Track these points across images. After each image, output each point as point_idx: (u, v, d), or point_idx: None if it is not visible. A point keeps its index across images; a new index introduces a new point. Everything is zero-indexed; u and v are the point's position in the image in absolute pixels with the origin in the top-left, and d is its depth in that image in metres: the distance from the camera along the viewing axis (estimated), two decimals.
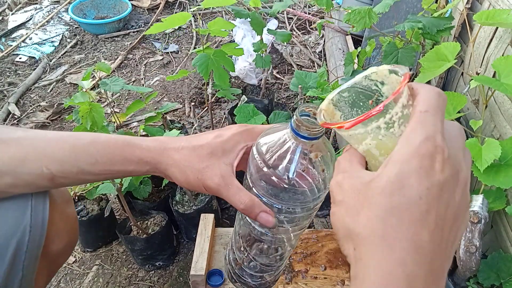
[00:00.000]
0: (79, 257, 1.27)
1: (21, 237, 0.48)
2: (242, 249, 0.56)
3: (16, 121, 1.74)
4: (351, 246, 0.32)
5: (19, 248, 0.47)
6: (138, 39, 2.19)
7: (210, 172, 0.48)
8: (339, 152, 1.11)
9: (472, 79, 0.81)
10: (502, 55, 0.92)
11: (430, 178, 0.29)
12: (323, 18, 2.26)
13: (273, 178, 0.44)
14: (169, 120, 1.40)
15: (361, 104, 0.37)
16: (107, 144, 0.50)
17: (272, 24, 2.24)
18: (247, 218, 0.52)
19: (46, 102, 1.83)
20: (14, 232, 0.48)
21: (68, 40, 2.25)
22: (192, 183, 0.49)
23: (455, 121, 0.34)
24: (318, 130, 0.40)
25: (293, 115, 0.41)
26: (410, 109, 0.32)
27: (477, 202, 0.79)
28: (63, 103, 1.79)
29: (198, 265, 0.93)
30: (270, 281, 0.61)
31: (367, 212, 0.30)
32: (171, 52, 2.14)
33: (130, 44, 2.18)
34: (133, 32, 2.30)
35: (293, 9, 2.35)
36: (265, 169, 0.44)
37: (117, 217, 1.32)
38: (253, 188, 0.47)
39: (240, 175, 0.49)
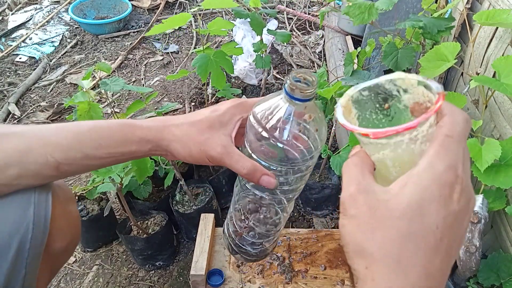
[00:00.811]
0: (79, 257, 1.27)
1: (24, 234, 0.48)
2: (242, 218, 0.59)
3: (16, 121, 1.74)
4: (363, 264, 0.32)
5: (22, 245, 0.47)
6: (138, 39, 2.19)
7: (212, 143, 0.50)
8: (339, 152, 1.11)
9: (472, 79, 0.81)
10: (502, 55, 0.92)
11: (447, 208, 0.30)
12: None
13: (272, 140, 0.47)
14: None
15: (377, 106, 0.37)
16: (108, 128, 0.51)
17: (272, 24, 2.24)
18: (247, 186, 0.55)
19: (46, 102, 1.83)
20: (17, 229, 0.48)
21: (68, 40, 2.25)
22: (195, 155, 0.51)
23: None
24: (311, 92, 0.43)
25: (285, 81, 0.44)
26: (434, 128, 0.32)
27: (477, 202, 0.79)
28: (63, 103, 1.79)
29: (198, 265, 0.93)
30: (269, 248, 0.63)
31: (383, 233, 0.30)
32: (171, 52, 2.15)
33: (130, 44, 2.19)
34: (133, 32, 2.30)
35: (293, 9, 2.36)
36: (263, 133, 0.46)
37: (117, 217, 1.32)
38: (252, 154, 0.50)
39: None
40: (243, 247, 0.61)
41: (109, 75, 1.86)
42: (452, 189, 0.30)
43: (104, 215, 1.10)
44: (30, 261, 0.48)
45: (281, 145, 0.46)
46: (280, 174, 0.50)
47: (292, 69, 1.98)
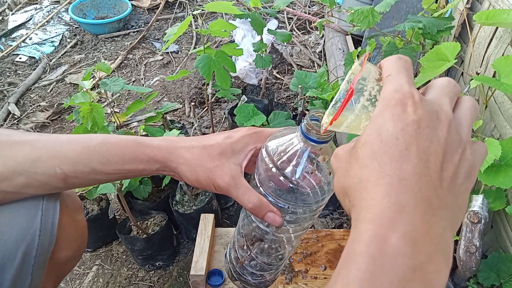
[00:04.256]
0: None
1: (30, 241, 0.48)
2: (244, 247, 0.57)
3: (16, 121, 1.74)
4: (347, 201, 0.33)
5: (28, 252, 0.47)
6: (138, 39, 2.19)
7: (220, 172, 0.49)
8: None
9: (472, 79, 0.81)
10: (502, 55, 0.92)
11: (404, 121, 0.30)
12: (323, 18, 2.26)
13: (281, 179, 0.45)
14: (169, 120, 1.40)
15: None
16: (118, 144, 0.51)
17: (272, 24, 2.24)
18: (252, 216, 0.53)
19: (46, 102, 1.83)
20: (24, 236, 0.47)
21: (68, 40, 2.25)
22: (202, 182, 0.50)
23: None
24: (327, 135, 0.42)
25: (303, 119, 0.42)
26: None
27: (477, 202, 0.79)
28: (63, 103, 1.79)
29: (198, 265, 0.93)
30: (270, 279, 0.62)
31: (354, 166, 0.32)
32: (171, 52, 2.14)
33: (130, 44, 2.18)
34: (133, 32, 2.30)
35: (293, 9, 2.36)
36: (273, 169, 0.45)
37: (117, 217, 1.32)
38: (260, 187, 0.48)
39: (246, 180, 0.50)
40: (243, 275, 0.60)
41: (109, 75, 1.86)
42: (404, 106, 0.30)
43: (110, 217, 1.10)
44: (36, 268, 0.48)
45: (290, 184, 0.45)
46: (287, 212, 0.49)
47: (293, 69, 1.99)
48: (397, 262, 0.27)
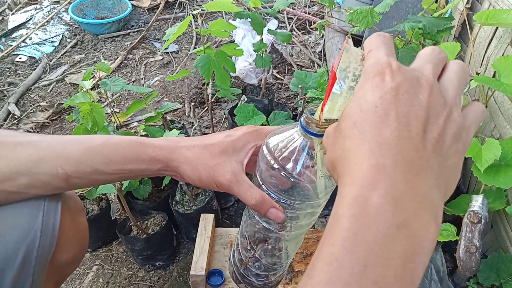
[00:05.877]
0: None
1: (31, 241, 0.47)
2: (248, 248, 0.57)
3: (16, 121, 1.74)
4: (335, 174, 0.34)
5: (29, 253, 0.47)
6: (138, 39, 2.19)
7: (222, 169, 0.50)
8: None
9: (472, 79, 0.81)
10: (502, 55, 0.92)
11: (382, 89, 0.30)
12: (323, 18, 2.26)
13: (283, 174, 0.45)
14: (169, 120, 1.40)
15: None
16: (120, 144, 0.51)
17: (272, 24, 2.24)
18: (255, 216, 0.53)
19: (46, 102, 1.83)
20: (25, 236, 0.47)
21: (68, 40, 2.25)
22: (204, 180, 0.50)
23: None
24: (326, 127, 0.41)
25: (302, 114, 0.43)
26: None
27: (477, 202, 0.79)
28: (63, 103, 1.79)
29: (198, 265, 0.93)
30: (274, 281, 0.62)
31: (338, 139, 0.33)
32: (171, 52, 2.14)
33: (130, 44, 2.18)
34: (133, 32, 2.30)
35: (293, 9, 2.36)
36: (275, 165, 0.45)
37: (117, 217, 1.32)
38: (262, 185, 0.49)
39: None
40: (248, 277, 0.60)
41: (109, 75, 1.86)
42: (382, 75, 0.31)
43: (113, 218, 1.10)
44: (36, 270, 0.48)
45: (291, 179, 0.45)
46: (289, 209, 0.49)
47: (293, 69, 1.99)
48: (379, 219, 0.27)
